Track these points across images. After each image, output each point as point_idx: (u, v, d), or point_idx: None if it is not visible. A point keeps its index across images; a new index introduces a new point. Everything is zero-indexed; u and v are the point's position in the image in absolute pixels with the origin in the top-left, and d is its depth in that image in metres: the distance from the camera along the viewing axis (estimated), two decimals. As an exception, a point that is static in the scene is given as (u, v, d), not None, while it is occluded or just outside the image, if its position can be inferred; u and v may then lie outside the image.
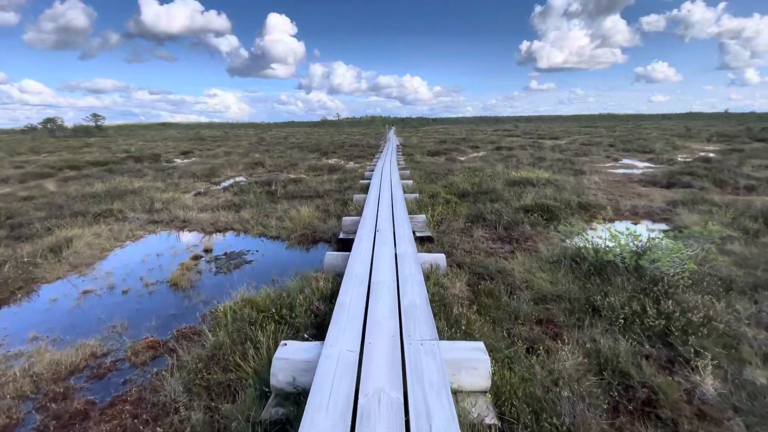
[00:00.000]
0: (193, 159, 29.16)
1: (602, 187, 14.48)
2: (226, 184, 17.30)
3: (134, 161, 26.67)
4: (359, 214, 9.34)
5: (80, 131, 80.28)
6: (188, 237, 9.67)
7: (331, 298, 4.94)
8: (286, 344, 3.70)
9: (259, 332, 4.31)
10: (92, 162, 25.24)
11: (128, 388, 4.21)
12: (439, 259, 6.20)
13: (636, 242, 6.59)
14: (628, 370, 3.99)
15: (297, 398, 3.38)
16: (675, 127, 62.25)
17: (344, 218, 8.87)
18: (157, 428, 3.43)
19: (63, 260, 8.18)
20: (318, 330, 4.46)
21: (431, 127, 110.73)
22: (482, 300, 5.41)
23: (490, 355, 3.61)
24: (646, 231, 9.17)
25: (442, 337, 4.01)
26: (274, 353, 3.70)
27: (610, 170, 19.59)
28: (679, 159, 22.90)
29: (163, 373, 4.17)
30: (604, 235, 7.15)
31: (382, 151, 27.30)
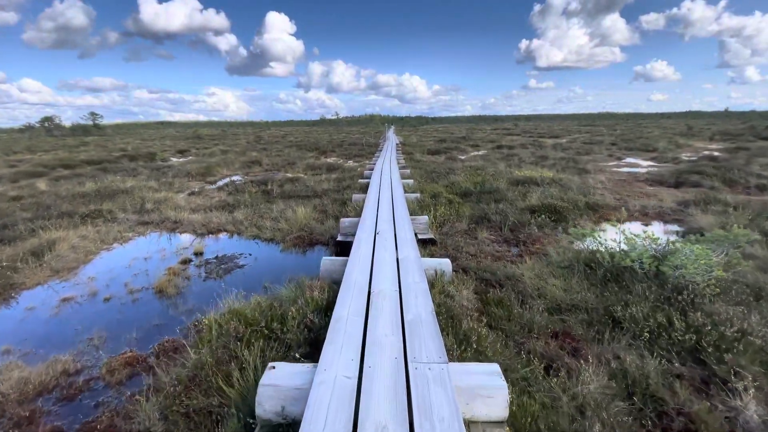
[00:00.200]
0: (190, 158, 28.68)
1: (608, 187, 14.03)
2: (221, 183, 16.84)
3: (129, 160, 26.19)
4: (358, 215, 8.89)
5: (78, 130, 79.65)
6: (179, 239, 9.21)
7: (326, 309, 4.49)
8: (274, 367, 3.25)
9: (246, 350, 3.85)
10: (87, 161, 24.74)
11: (100, 413, 3.76)
12: (444, 264, 5.75)
13: (654, 246, 6.17)
14: (660, 393, 3.55)
15: (286, 431, 2.93)
16: (676, 126, 61.80)
17: (342, 220, 8.42)
18: (126, 465, 2.99)
19: (45, 264, 7.73)
20: (312, 347, 4.01)
21: (430, 125, 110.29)
22: (492, 310, 4.96)
23: (505, 376, 3.19)
24: (662, 234, 8.74)
25: (451, 357, 3.56)
26: (261, 375, 3.26)
27: (614, 169, 19.17)
28: (683, 158, 22.47)
29: (137, 397, 3.72)
30: (617, 238, 6.73)
31: (381, 150, 26.83)
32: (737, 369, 3.71)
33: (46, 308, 6.11)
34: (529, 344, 4.38)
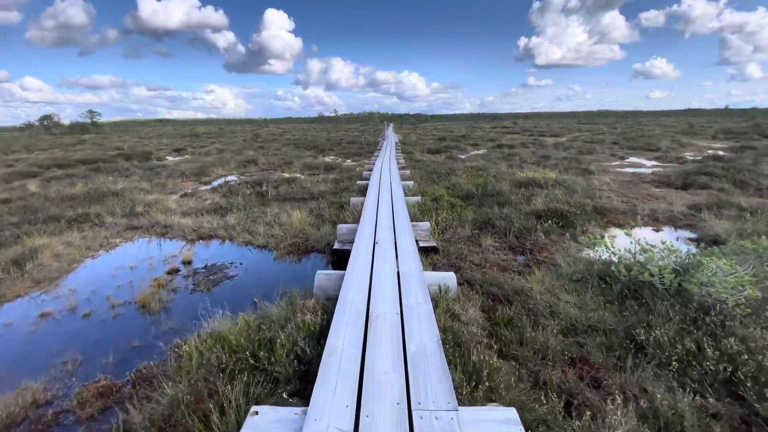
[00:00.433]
0: (186, 156, 28.21)
1: (614, 189, 13.60)
2: (215, 184, 16.39)
3: (125, 159, 25.71)
4: (356, 220, 8.46)
5: (76, 128, 79.18)
6: (167, 246, 8.76)
7: (319, 336, 4.06)
8: (257, 413, 2.82)
9: (229, 385, 3.42)
10: (81, 160, 24.26)
11: (63, 456, 3.34)
12: (449, 279, 5.32)
13: (674, 257, 5.75)
14: (697, 438, 3.13)
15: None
16: (676, 124, 61.31)
17: (339, 226, 7.98)
18: None
19: (26, 275, 7.30)
20: (302, 383, 3.58)
21: (429, 123, 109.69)
22: (502, 333, 4.53)
23: (521, 416, 2.77)
24: (675, 241, 8.32)
25: (460, 396, 3.14)
26: (244, 417, 2.84)
27: (618, 169, 18.74)
28: (688, 157, 22.03)
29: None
30: (632, 247, 6.31)
31: (380, 149, 26.36)
32: (782, 407, 3.29)
33: (23, 324, 5.69)
34: (544, 373, 3.96)
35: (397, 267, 5.42)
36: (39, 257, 7.83)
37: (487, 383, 3.31)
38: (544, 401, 3.38)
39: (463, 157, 24.48)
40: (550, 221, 8.78)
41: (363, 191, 12.10)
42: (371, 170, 15.75)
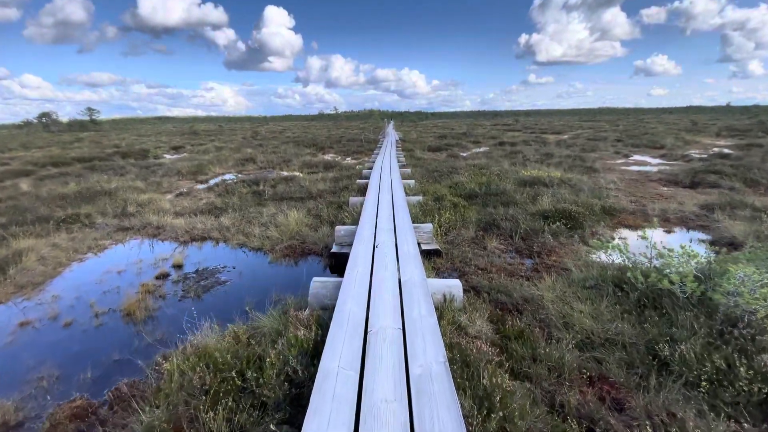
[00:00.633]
0: (183, 154, 27.84)
1: (621, 188, 13.22)
2: (212, 183, 16.03)
3: (121, 157, 25.34)
4: (355, 221, 8.10)
5: (75, 126, 78.72)
6: (159, 248, 8.40)
7: (313, 353, 3.69)
8: (239, 451, 2.47)
9: (211, 412, 3.06)
10: (77, 158, 23.88)
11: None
12: (454, 287, 4.95)
13: (693, 263, 5.38)
14: (738, 475, 2.77)
15: None
16: (679, 121, 60.86)
17: (338, 228, 7.62)
18: None
19: (9, 279, 6.95)
20: (293, 408, 3.21)
21: (430, 121, 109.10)
22: (512, 348, 4.17)
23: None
24: (688, 243, 7.95)
25: (471, 429, 2.78)
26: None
27: (623, 167, 18.36)
28: (694, 155, 21.62)
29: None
30: (648, 252, 5.95)
31: (380, 146, 25.98)
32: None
33: (1, 335, 5.34)
34: (561, 394, 3.61)
35: (399, 274, 5.06)
36: (24, 261, 7.48)
37: (500, 411, 2.95)
38: (564, 429, 3.03)
39: (464, 154, 24.11)
40: (558, 222, 8.40)
41: (362, 191, 11.73)
42: (371, 168, 15.38)
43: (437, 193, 11.15)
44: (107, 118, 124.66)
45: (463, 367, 3.44)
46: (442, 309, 4.58)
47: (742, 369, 3.59)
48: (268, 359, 3.52)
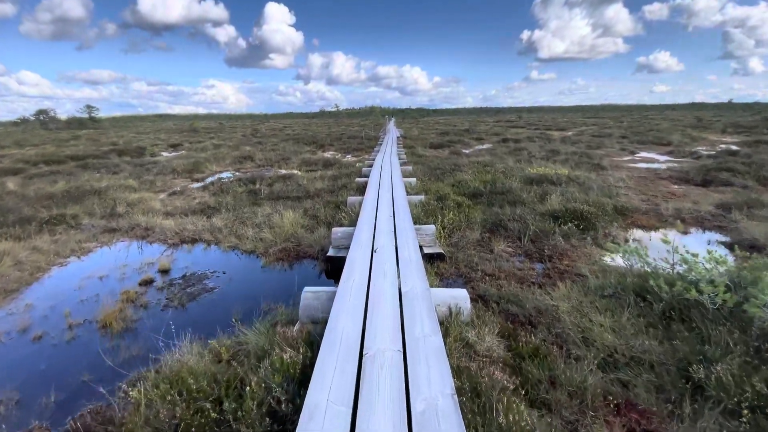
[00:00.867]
0: (182, 152, 27.37)
1: (631, 186, 12.73)
2: (207, 181, 15.55)
3: (118, 155, 24.89)
4: (353, 223, 7.62)
5: (74, 123, 78.25)
6: (146, 251, 7.94)
7: (301, 380, 3.21)
8: None
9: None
10: (71, 156, 23.42)
11: None
12: (461, 298, 4.47)
13: (721, 269, 4.91)
14: None
15: None
16: (683, 118, 60.24)
17: (335, 230, 7.14)
18: None
19: (-18, 285, 6.49)
20: (274, 450, 2.75)
21: (431, 117, 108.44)
22: (528, 369, 3.69)
23: None
24: (706, 245, 7.49)
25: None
26: None
27: (630, 164, 17.85)
28: (702, 152, 21.09)
29: None
30: (669, 257, 5.47)
31: (381, 144, 25.48)
32: None
33: (-34, 349, 4.88)
34: (584, 425, 3.14)
35: (399, 283, 4.59)
36: None
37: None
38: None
39: (467, 151, 23.61)
40: (569, 223, 7.91)
41: (362, 189, 11.25)
42: (371, 166, 14.88)
43: (440, 192, 10.66)
44: (107, 115, 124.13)
45: (473, 398, 2.97)
46: (448, 324, 4.10)
47: (789, 395, 3.12)
48: (248, 388, 3.05)
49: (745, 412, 3.14)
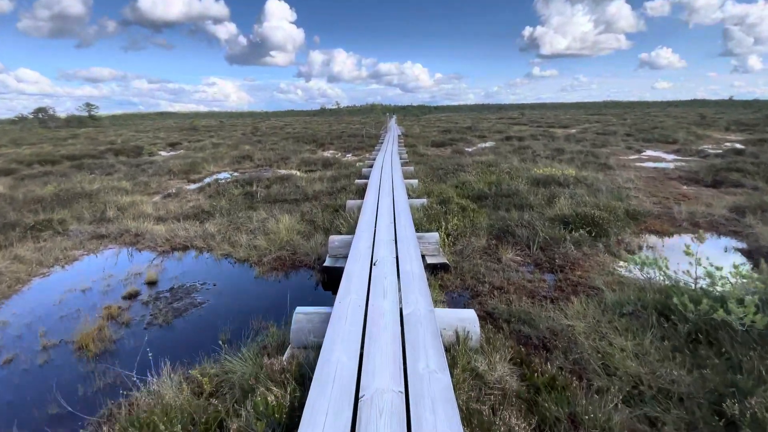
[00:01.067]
0: (180, 151, 26.96)
1: (640, 187, 12.30)
2: (204, 182, 15.15)
3: (114, 155, 24.51)
4: (351, 230, 7.22)
5: (73, 121, 77.79)
6: (134, 259, 7.55)
7: (289, 424, 2.81)
8: None
9: None
10: (67, 156, 23.04)
11: None
12: (469, 321, 4.05)
13: (753, 287, 4.51)
14: None
15: None
16: (686, 115, 59.63)
17: (332, 238, 6.73)
18: None
19: (-44, 299, 6.10)
20: None
21: (433, 115, 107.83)
22: (544, 405, 3.28)
23: None
24: (720, 251, 7.09)
25: None
26: None
27: (637, 164, 17.41)
28: (709, 150, 20.62)
29: None
30: (692, 269, 5.07)
31: (382, 142, 25.06)
32: None
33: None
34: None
35: (400, 303, 4.18)
36: (-21, 276, 6.64)
37: None
38: None
39: (470, 150, 23.16)
40: (580, 230, 7.49)
41: (361, 192, 10.84)
42: (371, 167, 14.46)
43: (443, 195, 10.24)
44: (108, 113, 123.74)
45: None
46: (455, 352, 3.69)
47: None
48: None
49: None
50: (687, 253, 5.14)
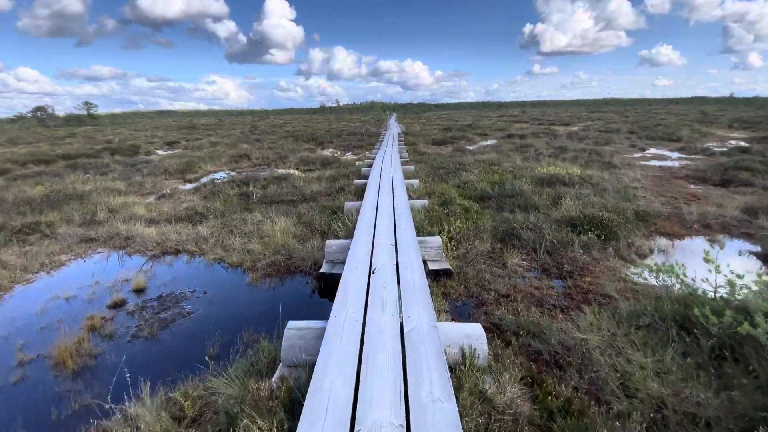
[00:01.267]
0: (178, 150, 26.63)
1: (647, 186, 11.97)
2: (200, 182, 14.82)
3: (111, 154, 24.18)
4: (349, 234, 6.90)
5: (72, 120, 77.41)
6: (123, 264, 7.23)
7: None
8: None
9: None
10: (62, 155, 22.71)
11: None
12: (475, 336, 3.73)
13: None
14: None
15: None
16: (688, 112, 59.25)
17: (329, 243, 6.40)
18: None
19: (-64, 307, 5.79)
20: None
21: (433, 113, 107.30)
22: (559, 431, 2.97)
23: None
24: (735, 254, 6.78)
25: None
26: None
27: (642, 162, 17.07)
28: (714, 148, 20.27)
29: None
30: (712, 277, 4.74)
31: (382, 141, 24.72)
32: None
33: None
34: None
35: (401, 317, 3.86)
36: (-40, 283, 6.33)
37: None
38: None
39: (471, 148, 22.81)
40: (589, 233, 7.17)
41: (360, 193, 10.52)
42: (371, 166, 14.13)
43: (444, 195, 9.91)
44: (108, 112, 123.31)
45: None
46: (461, 373, 3.37)
47: None
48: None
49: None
50: (706, 260, 4.81)
